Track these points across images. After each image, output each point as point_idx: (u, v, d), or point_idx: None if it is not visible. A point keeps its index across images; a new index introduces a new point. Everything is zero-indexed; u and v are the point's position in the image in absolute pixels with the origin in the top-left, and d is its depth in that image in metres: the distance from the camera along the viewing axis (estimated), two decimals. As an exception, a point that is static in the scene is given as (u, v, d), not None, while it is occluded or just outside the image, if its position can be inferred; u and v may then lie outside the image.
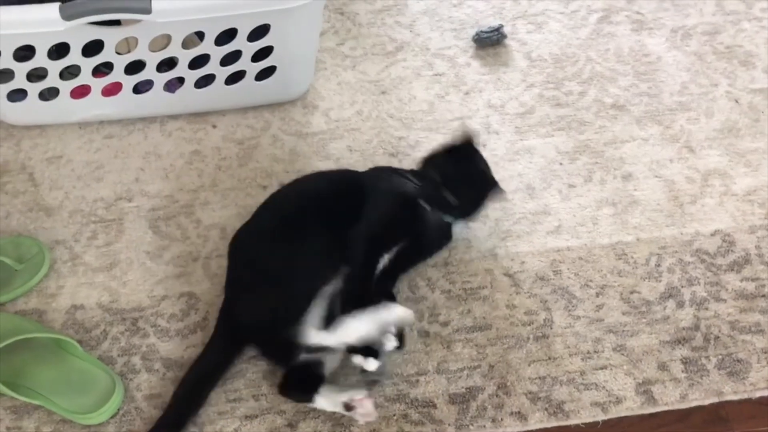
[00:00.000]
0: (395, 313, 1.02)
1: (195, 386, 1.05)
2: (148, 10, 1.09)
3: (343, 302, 1.02)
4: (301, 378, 1.04)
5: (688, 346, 1.11)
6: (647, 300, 1.16)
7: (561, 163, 1.33)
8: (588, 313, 1.14)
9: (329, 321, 1.01)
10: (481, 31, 1.50)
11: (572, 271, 1.19)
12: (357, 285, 1.05)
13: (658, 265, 1.20)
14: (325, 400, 1.02)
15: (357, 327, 1.00)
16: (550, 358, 1.10)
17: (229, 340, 1.07)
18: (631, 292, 1.17)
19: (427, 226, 1.14)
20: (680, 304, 1.15)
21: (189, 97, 1.32)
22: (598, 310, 1.15)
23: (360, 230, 1.07)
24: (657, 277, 1.18)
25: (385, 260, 1.10)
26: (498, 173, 1.30)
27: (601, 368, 1.09)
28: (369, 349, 1.02)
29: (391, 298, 1.13)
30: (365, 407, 1.00)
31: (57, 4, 1.07)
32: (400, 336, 1.06)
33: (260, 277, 1.03)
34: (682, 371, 1.08)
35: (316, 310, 1.01)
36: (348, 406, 1.01)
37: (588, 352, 1.10)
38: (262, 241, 1.07)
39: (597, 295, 1.16)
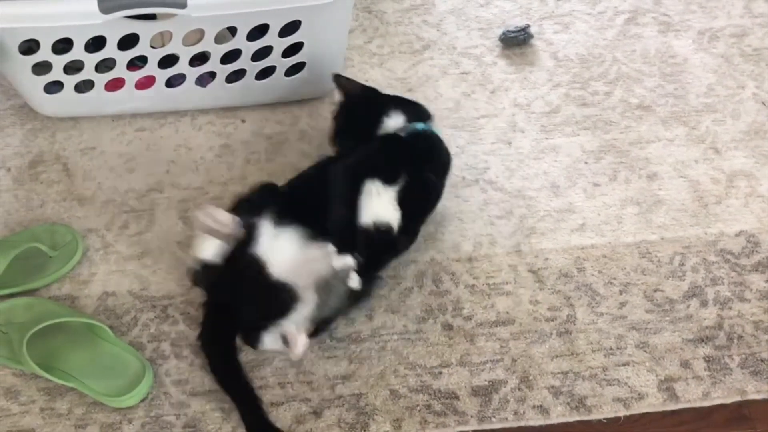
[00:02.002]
0: (338, 262, 1.02)
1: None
2: (183, 5, 1.11)
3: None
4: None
5: (711, 345, 1.11)
6: (671, 298, 1.16)
7: (586, 162, 1.34)
8: (611, 310, 1.15)
9: None
10: (508, 31, 1.51)
11: (596, 268, 1.20)
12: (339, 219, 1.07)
13: (682, 264, 1.20)
14: (271, 339, 1.05)
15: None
16: (572, 354, 1.11)
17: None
18: (655, 291, 1.17)
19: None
20: (704, 303, 1.16)
21: (220, 92, 1.34)
22: (621, 307, 1.15)
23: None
24: (681, 276, 1.19)
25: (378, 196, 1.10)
26: (523, 171, 1.32)
27: (624, 364, 1.09)
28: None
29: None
30: (298, 342, 1.02)
31: (96, -2, 1.10)
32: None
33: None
34: (705, 369, 1.09)
35: None
36: (285, 339, 1.03)
37: (611, 349, 1.11)
38: None
39: (620, 292, 1.17)
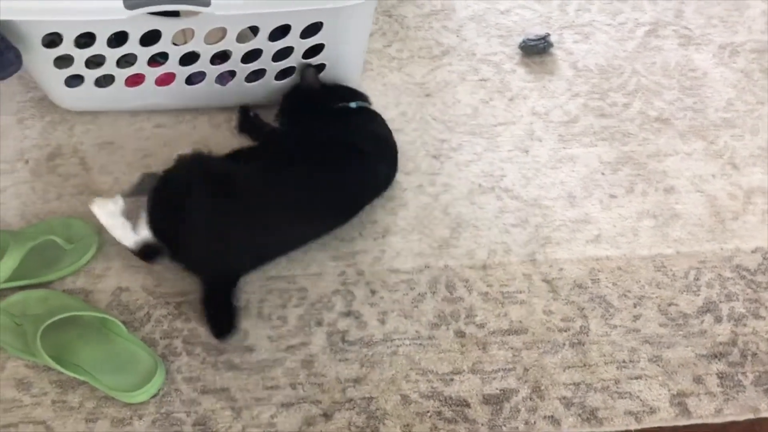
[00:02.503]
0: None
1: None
2: (207, 3, 1.11)
3: None
4: None
5: (725, 361, 1.10)
6: (685, 313, 1.16)
7: (603, 173, 1.33)
8: (625, 322, 1.15)
9: None
10: (528, 39, 1.51)
11: (610, 280, 1.19)
12: None
13: (697, 279, 1.19)
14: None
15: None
16: (585, 365, 1.10)
17: None
18: (669, 305, 1.17)
19: None
20: (718, 319, 1.15)
21: (239, 91, 1.34)
22: (635, 320, 1.15)
23: None
24: (695, 291, 1.18)
25: None
26: (540, 180, 1.31)
27: (636, 378, 1.09)
28: None
29: None
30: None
31: (121, -6, 1.10)
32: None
33: None
34: (718, 385, 1.08)
35: None
36: None
37: (623, 361, 1.11)
38: None
39: (634, 305, 1.17)
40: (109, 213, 1.15)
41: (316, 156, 1.19)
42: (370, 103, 1.33)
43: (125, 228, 1.14)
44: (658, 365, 1.10)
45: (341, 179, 1.19)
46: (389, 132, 1.30)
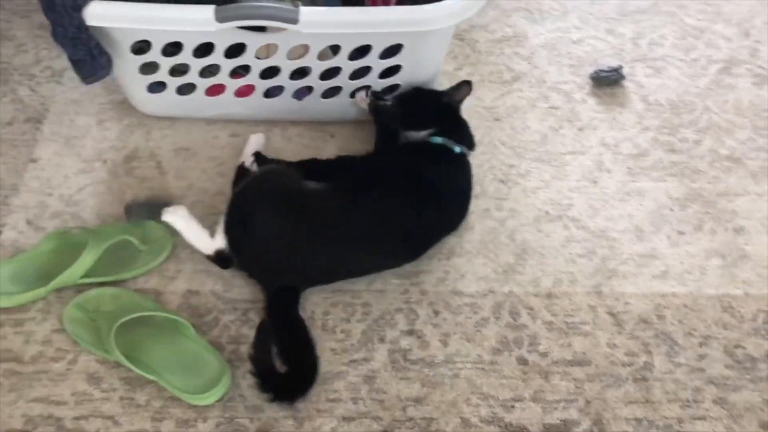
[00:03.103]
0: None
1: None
2: (295, 21, 1.14)
3: None
4: None
5: (793, 409, 1.09)
6: (752, 356, 1.14)
7: (672, 209, 1.32)
8: (690, 361, 1.14)
9: None
10: (600, 70, 1.51)
11: (676, 317, 1.18)
12: None
13: (766, 323, 1.18)
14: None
15: None
16: (647, 401, 1.09)
17: None
18: (736, 347, 1.15)
19: None
20: (786, 365, 1.13)
21: (314, 106, 1.37)
22: (700, 359, 1.14)
23: None
24: (764, 335, 1.16)
25: None
26: (607, 211, 1.31)
27: (700, 418, 1.08)
28: None
29: None
30: None
31: (212, 7, 1.14)
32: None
33: None
34: (785, 433, 1.06)
35: None
36: None
37: (687, 401, 1.10)
38: None
39: (700, 344, 1.16)
40: (183, 218, 1.19)
41: (392, 189, 1.20)
42: (469, 141, 1.30)
43: (203, 234, 1.17)
44: (723, 408, 1.09)
45: (413, 218, 1.19)
46: (470, 180, 1.30)
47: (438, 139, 1.26)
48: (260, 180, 1.21)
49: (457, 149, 1.26)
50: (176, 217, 1.19)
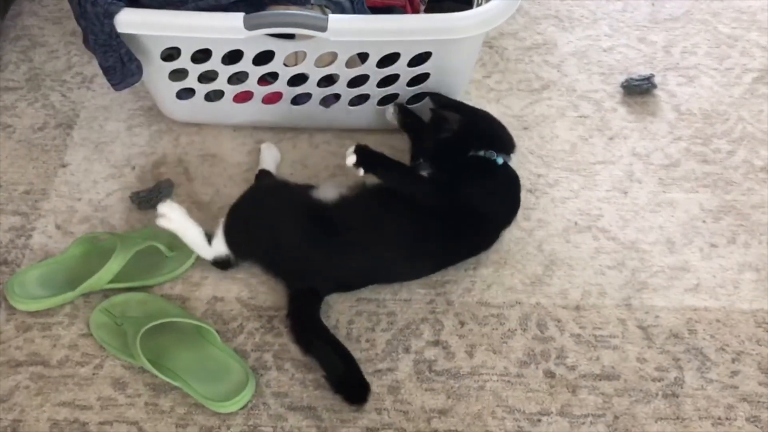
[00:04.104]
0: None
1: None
2: (324, 28, 1.14)
3: None
4: None
5: (829, 429, 1.06)
6: (787, 374, 1.11)
7: (704, 221, 1.30)
8: (722, 378, 1.11)
9: None
10: (632, 79, 1.49)
11: (708, 332, 1.16)
12: None
13: (802, 340, 1.15)
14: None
15: None
16: (678, 418, 1.07)
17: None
18: (770, 363, 1.13)
19: None
20: (823, 384, 1.10)
21: (341, 114, 1.37)
22: (732, 376, 1.11)
23: None
24: (800, 352, 1.14)
25: None
26: (638, 222, 1.29)
27: (732, 437, 1.05)
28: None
29: None
30: None
31: (242, 14, 1.14)
32: None
33: None
34: (821, 454, 1.03)
35: None
36: None
37: (719, 418, 1.07)
38: None
39: (733, 360, 1.13)
40: (180, 217, 1.19)
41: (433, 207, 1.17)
42: (512, 148, 1.25)
43: (203, 242, 1.19)
44: (757, 426, 1.06)
45: (449, 237, 1.17)
46: (517, 198, 1.25)
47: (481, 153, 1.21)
48: (270, 188, 1.24)
49: (500, 160, 1.20)
50: (172, 214, 1.19)
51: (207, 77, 1.30)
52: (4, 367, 1.12)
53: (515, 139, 1.26)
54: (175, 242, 1.24)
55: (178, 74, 1.29)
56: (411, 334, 1.16)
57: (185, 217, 1.19)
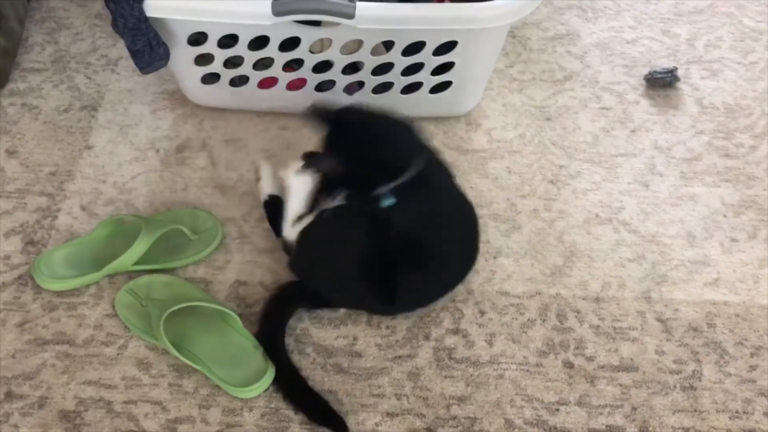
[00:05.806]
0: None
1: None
2: (351, 16, 1.15)
3: None
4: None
5: None
6: (806, 369, 1.12)
7: (725, 215, 1.30)
8: (740, 372, 1.12)
9: None
10: (655, 71, 1.49)
11: (727, 326, 1.16)
12: None
13: (821, 336, 1.15)
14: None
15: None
16: (695, 411, 1.08)
17: None
18: (789, 359, 1.13)
19: None
20: (841, 380, 1.11)
21: (364, 101, 1.37)
22: (751, 370, 1.12)
23: None
24: (819, 348, 1.14)
25: None
26: (659, 216, 1.29)
27: (749, 430, 1.06)
28: None
29: None
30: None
31: (269, 1, 1.15)
32: None
33: None
34: (838, 450, 1.04)
35: None
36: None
37: (737, 412, 1.08)
38: None
39: (751, 355, 1.13)
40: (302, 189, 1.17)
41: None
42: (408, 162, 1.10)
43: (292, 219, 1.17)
44: (774, 421, 1.07)
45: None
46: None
47: None
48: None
49: (388, 201, 1.09)
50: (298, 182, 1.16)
51: (233, 62, 1.31)
52: (32, 345, 1.14)
53: (538, 129, 1.26)
54: (199, 225, 1.25)
55: (204, 59, 1.30)
56: (431, 321, 1.17)
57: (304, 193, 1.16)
